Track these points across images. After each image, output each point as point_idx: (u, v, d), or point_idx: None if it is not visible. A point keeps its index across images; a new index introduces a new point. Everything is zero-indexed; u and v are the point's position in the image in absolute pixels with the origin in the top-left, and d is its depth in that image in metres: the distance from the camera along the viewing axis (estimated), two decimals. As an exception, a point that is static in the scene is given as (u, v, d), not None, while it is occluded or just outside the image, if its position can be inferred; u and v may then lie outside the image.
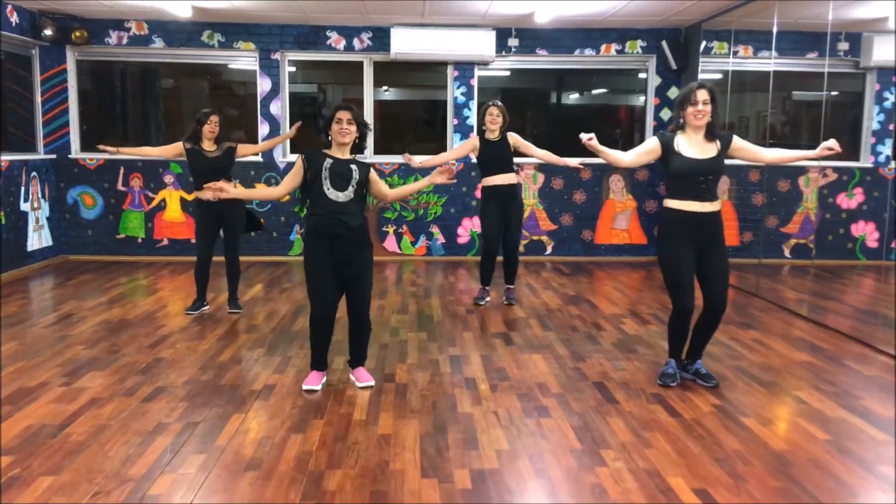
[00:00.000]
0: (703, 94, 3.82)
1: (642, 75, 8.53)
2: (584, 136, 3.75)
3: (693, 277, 3.93)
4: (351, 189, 3.81)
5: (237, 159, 5.65)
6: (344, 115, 3.82)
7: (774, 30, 6.73)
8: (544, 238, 8.45)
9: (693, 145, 3.88)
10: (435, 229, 8.38)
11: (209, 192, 4.00)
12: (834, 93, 8.82)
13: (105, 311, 5.73)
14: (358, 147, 3.95)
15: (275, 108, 8.10)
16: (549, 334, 5.14)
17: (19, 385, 3.98)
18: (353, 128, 3.83)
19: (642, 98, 8.62)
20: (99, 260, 8.02)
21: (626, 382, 4.11)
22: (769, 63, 7.15)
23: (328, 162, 3.83)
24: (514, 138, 5.81)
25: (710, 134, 3.90)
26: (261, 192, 4.30)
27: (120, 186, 8.14)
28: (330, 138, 3.88)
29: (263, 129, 8.12)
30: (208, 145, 5.53)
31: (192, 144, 5.52)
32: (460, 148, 6.07)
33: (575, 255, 8.46)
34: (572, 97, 9.60)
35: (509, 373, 4.27)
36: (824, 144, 3.84)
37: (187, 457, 3.12)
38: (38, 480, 2.88)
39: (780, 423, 3.57)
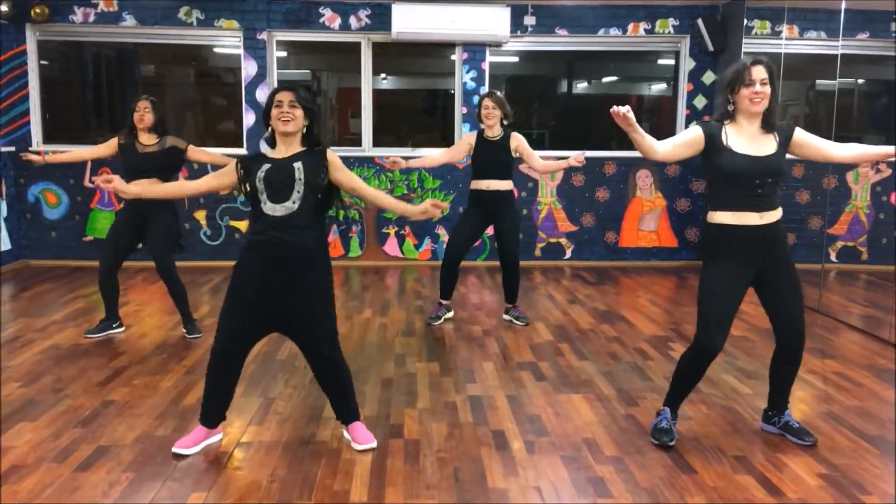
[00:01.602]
0: (760, 72, 2.93)
1: (663, 61, 7.66)
2: (620, 109, 2.87)
3: (735, 312, 3.11)
4: (295, 196, 2.93)
5: (190, 162, 4.79)
6: (285, 96, 2.95)
7: (843, 6, 5.81)
8: (563, 240, 7.58)
9: (746, 139, 3.01)
10: (441, 231, 7.49)
11: (102, 182, 3.11)
12: (868, 79, 8.00)
13: (57, 331, 4.85)
14: (309, 138, 3.06)
15: (261, 94, 7.19)
16: (585, 365, 4.27)
17: (-76, 443, 3.10)
18: (299, 112, 2.97)
19: (658, 86, 7.74)
20: (64, 265, 7.11)
21: (696, 438, 3.24)
22: (835, 45, 6.18)
23: (263, 169, 2.96)
24: (517, 141, 4.94)
25: (767, 124, 3.02)
26: (169, 188, 3.45)
27: (87, 182, 7.23)
28: (271, 129, 3.02)
29: (249, 118, 7.22)
30: (144, 138, 4.58)
31: (126, 139, 4.60)
32: (455, 148, 5.24)
33: (597, 259, 7.58)
34: (584, 85, 8.73)
35: (546, 423, 3.40)
36: None
37: (122, 567, 2.25)
38: None
39: (912, 503, 2.71)
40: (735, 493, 2.75)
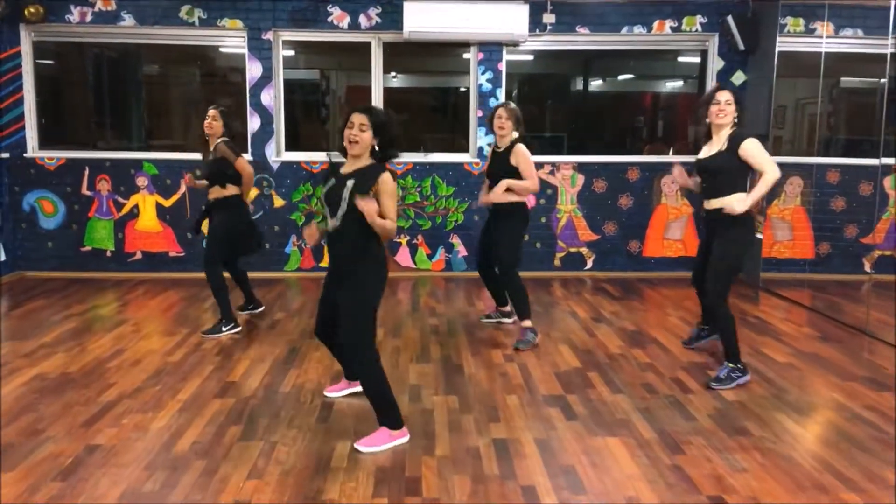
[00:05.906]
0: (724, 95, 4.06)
1: (683, 58, 7.25)
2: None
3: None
4: (340, 213, 3.18)
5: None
6: (357, 118, 3.15)
7: (893, 3, 5.37)
8: (584, 250, 7.19)
9: (706, 146, 4.23)
10: (455, 240, 7.12)
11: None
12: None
13: (45, 357, 4.50)
14: (383, 154, 3.25)
15: (266, 97, 6.83)
16: (619, 399, 3.88)
17: None
18: (367, 135, 3.15)
19: (674, 83, 7.33)
20: (61, 277, 6.79)
21: (755, 497, 2.85)
22: (885, 44, 5.74)
23: (329, 183, 3.27)
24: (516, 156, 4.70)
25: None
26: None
27: (85, 190, 6.89)
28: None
29: (254, 122, 6.86)
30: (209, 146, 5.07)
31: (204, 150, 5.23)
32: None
33: (620, 269, 7.19)
34: (598, 83, 8.31)
35: (583, 475, 3.02)
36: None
37: None
38: None
39: None
40: (809, 573, 2.37)
